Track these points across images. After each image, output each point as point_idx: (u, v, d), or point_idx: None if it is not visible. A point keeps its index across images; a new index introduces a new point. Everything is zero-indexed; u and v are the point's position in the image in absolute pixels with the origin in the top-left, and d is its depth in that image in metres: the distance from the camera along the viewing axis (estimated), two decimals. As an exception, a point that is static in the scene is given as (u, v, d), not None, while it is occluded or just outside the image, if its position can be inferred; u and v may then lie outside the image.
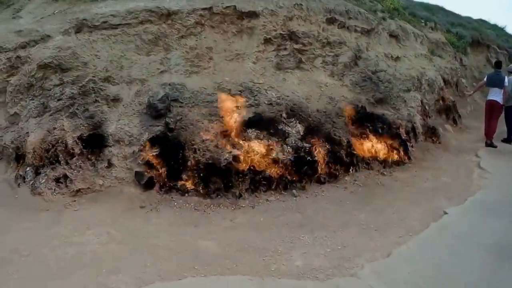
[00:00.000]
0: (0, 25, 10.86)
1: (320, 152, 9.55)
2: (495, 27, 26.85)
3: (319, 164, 9.45)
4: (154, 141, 8.99)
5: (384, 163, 10.60)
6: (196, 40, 10.44)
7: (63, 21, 10.24)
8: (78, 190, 8.53)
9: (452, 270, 6.02)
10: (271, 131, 9.35)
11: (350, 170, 9.96)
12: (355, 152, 10.17)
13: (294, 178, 9.11)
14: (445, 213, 8.09)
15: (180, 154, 8.83)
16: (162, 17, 10.41)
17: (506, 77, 13.71)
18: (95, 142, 9.10)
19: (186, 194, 8.58)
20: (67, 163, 8.86)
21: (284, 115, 9.73)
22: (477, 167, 11.23)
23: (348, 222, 7.82)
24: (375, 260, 6.36)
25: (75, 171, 8.79)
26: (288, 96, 10.13)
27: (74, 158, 8.91)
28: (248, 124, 9.32)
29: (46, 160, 8.91)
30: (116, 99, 9.58)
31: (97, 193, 8.57)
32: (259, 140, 9.16)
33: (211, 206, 8.35)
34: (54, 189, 8.55)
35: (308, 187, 9.19)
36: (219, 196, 8.58)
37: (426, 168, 11.08)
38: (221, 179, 8.68)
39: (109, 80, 9.70)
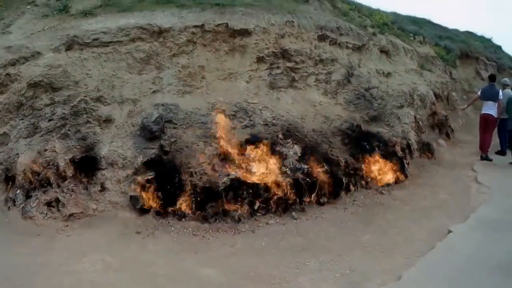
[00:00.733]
0: None
1: (318, 173, 9.63)
2: (482, 38, 27.27)
3: (318, 185, 9.53)
4: (148, 164, 9.01)
5: (382, 182, 10.73)
6: (188, 59, 10.50)
7: (53, 38, 10.24)
8: (71, 215, 8.48)
9: (464, 291, 6.13)
10: (269, 152, 9.41)
11: (349, 190, 10.06)
12: (352, 172, 10.26)
13: (293, 200, 9.18)
14: (450, 231, 8.17)
15: (176, 178, 8.83)
16: (153, 35, 10.44)
17: (500, 90, 13.98)
18: (87, 165, 9.06)
19: (183, 219, 8.57)
20: (59, 186, 8.82)
21: (280, 136, 9.82)
22: (475, 181, 11.37)
23: (352, 245, 7.90)
24: (386, 284, 6.43)
25: (67, 194, 8.76)
26: (283, 116, 10.23)
27: (66, 181, 8.88)
28: (245, 146, 9.38)
29: (37, 182, 8.86)
30: (108, 120, 9.58)
31: (90, 218, 8.52)
32: (257, 162, 9.22)
33: (210, 231, 8.34)
34: (46, 213, 8.50)
35: (308, 209, 9.25)
36: (217, 221, 8.58)
37: (423, 185, 11.23)
38: (219, 203, 8.71)
39: (100, 100, 9.71)
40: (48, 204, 8.59)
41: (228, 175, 8.92)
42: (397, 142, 11.85)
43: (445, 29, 24.64)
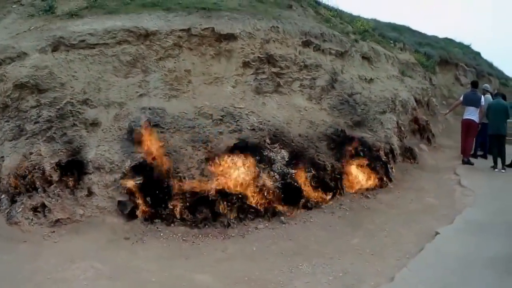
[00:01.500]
0: None
1: (305, 178, 9.82)
2: (461, 45, 27.92)
3: (305, 190, 9.73)
4: (136, 169, 9.04)
5: (368, 186, 10.99)
6: (175, 63, 10.57)
7: (39, 38, 10.19)
8: (57, 220, 8.47)
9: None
10: (257, 157, 9.55)
11: (335, 194, 10.26)
12: (339, 176, 10.46)
13: (281, 205, 9.33)
14: (437, 233, 8.42)
15: (165, 183, 8.91)
16: (140, 38, 10.49)
17: (482, 96, 14.42)
18: (74, 169, 9.05)
19: (172, 224, 8.64)
20: (44, 191, 8.79)
21: (267, 140, 9.96)
22: (458, 185, 11.77)
23: (343, 248, 8.07)
24: (380, 285, 6.61)
25: (54, 199, 8.74)
26: (269, 121, 10.37)
27: (52, 186, 8.85)
28: (233, 150, 9.48)
29: (22, 187, 8.82)
30: (95, 123, 9.59)
31: (77, 223, 8.52)
32: (246, 167, 9.34)
33: (200, 236, 8.42)
34: (32, 219, 8.46)
35: (296, 214, 9.41)
36: (206, 226, 8.68)
37: (408, 189, 11.53)
38: (208, 208, 8.81)
39: (87, 103, 9.70)
40: (34, 209, 8.55)
41: (217, 180, 9.03)
42: (381, 147, 12.12)
43: (424, 35, 25.20)
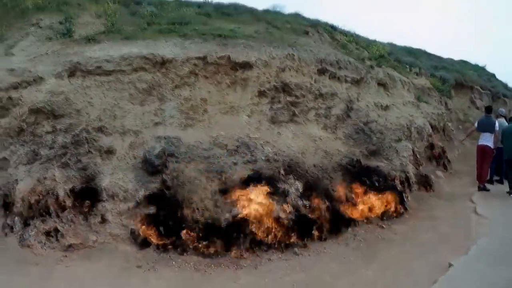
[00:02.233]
0: None
1: (320, 209, 9.87)
2: (476, 67, 27.79)
3: (320, 221, 9.77)
4: (150, 198, 9.19)
5: (382, 216, 10.97)
6: (191, 91, 10.76)
7: (56, 63, 10.44)
8: (70, 245, 8.59)
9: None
10: (271, 189, 9.63)
11: (350, 225, 10.26)
12: (353, 207, 10.53)
13: (295, 236, 9.36)
14: (451, 265, 8.33)
15: (178, 213, 9.02)
16: (156, 65, 10.71)
17: (496, 121, 14.40)
18: (88, 196, 9.20)
19: (185, 253, 8.72)
20: (58, 216, 8.93)
21: (282, 171, 10.06)
22: (474, 213, 11.63)
23: (356, 281, 8.08)
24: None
25: (67, 225, 8.87)
26: (284, 152, 10.48)
27: (66, 211, 8.99)
28: (247, 181, 9.58)
29: (35, 211, 8.94)
30: (109, 151, 9.75)
31: (90, 249, 8.63)
32: (259, 199, 9.41)
33: (212, 266, 8.48)
34: (44, 243, 8.58)
35: (310, 245, 9.41)
36: (219, 256, 8.74)
37: (423, 219, 11.45)
38: (222, 239, 8.88)
39: (102, 130, 9.89)
40: (47, 233, 8.68)
41: (230, 211, 9.13)
42: (396, 176, 12.14)
43: (440, 58, 25.17)
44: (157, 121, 10.23)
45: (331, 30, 16.55)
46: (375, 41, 19.61)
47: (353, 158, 11.39)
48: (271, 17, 15.60)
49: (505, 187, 14.11)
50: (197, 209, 9.06)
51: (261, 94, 11.26)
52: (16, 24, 12.41)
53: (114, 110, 10.13)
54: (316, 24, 16.00)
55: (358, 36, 18.65)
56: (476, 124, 15.03)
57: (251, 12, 16.00)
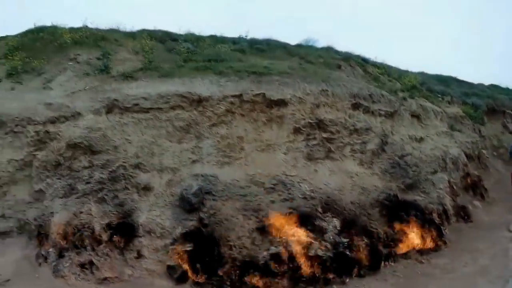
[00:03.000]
0: (30, 94, 11.03)
1: (358, 246, 9.69)
2: (507, 90, 27.32)
3: (358, 258, 9.58)
4: (187, 236, 9.14)
5: (421, 250, 10.67)
6: (227, 129, 10.74)
7: (94, 99, 10.56)
8: (105, 278, 8.60)
9: None
10: (308, 227, 9.50)
11: (388, 261, 10.04)
12: (392, 243, 10.32)
13: (333, 273, 9.19)
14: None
15: (215, 251, 8.94)
16: (193, 103, 10.74)
17: None
18: (124, 231, 9.21)
19: (222, 291, 8.62)
20: (93, 249, 8.94)
21: (319, 209, 9.92)
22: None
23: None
24: None
25: (102, 258, 8.88)
26: (321, 189, 10.34)
27: (101, 245, 9.02)
28: (285, 220, 9.46)
29: (71, 243, 8.96)
30: (147, 188, 9.75)
31: (125, 283, 8.63)
32: (297, 237, 9.29)
33: (249, 303, 8.35)
34: (79, 274, 8.59)
35: (349, 282, 9.22)
36: (257, 294, 8.61)
37: (462, 251, 11.11)
38: (259, 276, 8.76)
39: (139, 167, 9.90)
40: (82, 265, 8.69)
41: (268, 249, 9.03)
42: (434, 209, 11.85)
43: (471, 85, 24.77)
44: (195, 159, 10.21)
45: (363, 62, 16.48)
46: (406, 71, 19.44)
47: (390, 193, 11.17)
48: (304, 52, 15.61)
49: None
50: (235, 246, 8.98)
51: (297, 131, 11.16)
52: (54, 58, 12.57)
53: (152, 148, 10.16)
54: (348, 58, 15.95)
55: (389, 67, 18.50)
56: (509, 153, 14.72)
57: (284, 47, 16.05)
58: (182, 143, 10.41)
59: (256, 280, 8.75)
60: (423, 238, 10.97)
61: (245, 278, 8.75)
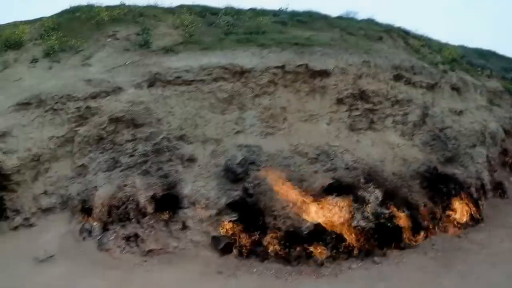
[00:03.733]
0: (69, 71, 11.17)
1: (399, 218, 9.61)
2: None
3: (399, 230, 9.50)
4: (232, 206, 9.17)
5: (459, 224, 10.55)
6: (270, 100, 10.67)
7: (135, 74, 10.59)
8: (150, 250, 8.70)
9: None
10: (351, 197, 9.46)
11: (428, 234, 9.94)
12: (431, 216, 10.19)
13: (375, 245, 9.16)
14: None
15: (260, 221, 8.97)
16: (235, 75, 10.67)
17: None
18: (168, 203, 9.27)
19: (266, 261, 8.66)
20: (138, 222, 9.06)
21: (362, 180, 9.85)
22: (548, 218, 11.06)
23: (435, 290, 7.76)
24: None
25: (147, 230, 8.98)
26: (363, 159, 10.25)
27: (146, 217, 9.10)
28: (328, 190, 9.45)
29: (115, 216, 9.12)
30: (191, 159, 9.78)
31: (170, 255, 8.71)
32: (340, 207, 9.28)
33: (293, 273, 8.38)
34: (124, 247, 8.75)
35: (389, 254, 9.16)
36: (300, 263, 8.62)
37: (499, 227, 10.98)
38: (302, 246, 8.77)
39: (183, 139, 9.92)
40: (127, 238, 8.84)
41: (311, 219, 9.01)
42: (472, 184, 11.65)
43: (510, 60, 24.17)
44: (238, 130, 10.21)
45: (404, 35, 16.13)
46: (447, 44, 18.99)
47: (430, 165, 11.01)
48: (345, 24, 15.36)
49: None
50: (279, 216, 8.96)
51: (339, 101, 11.07)
52: (92, 36, 12.64)
53: (195, 119, 10.16)
54: (389, 30, 15.63)
55: (430, 40, 18.08)
56: None
57: (325, 19, 15.81)
58: (225, 114, 10.40)
59: (299, 250, 8.76)
60: (461, 212, 10.83)
61: (289, 248, 8.77)
